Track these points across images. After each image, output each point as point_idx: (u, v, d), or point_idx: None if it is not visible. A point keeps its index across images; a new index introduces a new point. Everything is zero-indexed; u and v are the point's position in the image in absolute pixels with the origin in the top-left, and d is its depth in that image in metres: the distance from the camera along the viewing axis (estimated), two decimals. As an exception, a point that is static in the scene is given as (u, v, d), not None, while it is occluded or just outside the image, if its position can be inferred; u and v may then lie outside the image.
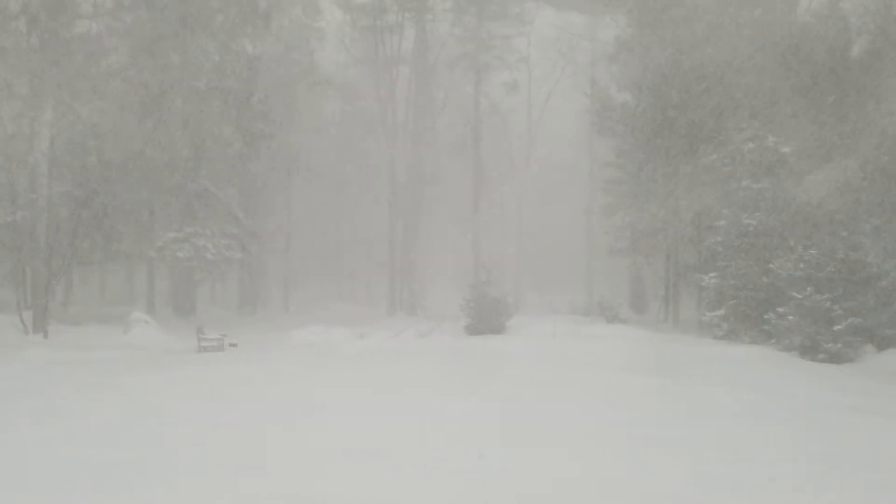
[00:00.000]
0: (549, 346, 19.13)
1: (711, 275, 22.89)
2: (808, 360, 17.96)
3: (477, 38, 40.40)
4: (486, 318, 23.40)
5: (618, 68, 32.59)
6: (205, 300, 37.10)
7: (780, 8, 27.15)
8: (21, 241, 23.43)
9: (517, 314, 25.41)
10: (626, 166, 31.44)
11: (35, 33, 24.01)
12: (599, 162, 36.83)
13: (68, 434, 9.73)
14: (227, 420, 10.70)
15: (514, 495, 7.40)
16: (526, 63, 43.03)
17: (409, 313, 36.35)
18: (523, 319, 25.05)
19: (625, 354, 17.67)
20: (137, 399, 12.32)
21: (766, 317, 20.12)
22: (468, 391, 12.87)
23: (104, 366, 16.47)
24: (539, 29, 42.27)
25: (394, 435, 9.80)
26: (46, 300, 22.91)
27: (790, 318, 18.99)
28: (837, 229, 20.36)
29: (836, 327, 18.38)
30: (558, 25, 41.70)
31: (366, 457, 8.66)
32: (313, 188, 43.06)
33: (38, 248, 22.94)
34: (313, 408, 11.61)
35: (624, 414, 11.28)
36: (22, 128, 25.19)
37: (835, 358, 18.10)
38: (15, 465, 8.32)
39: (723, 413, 11.46)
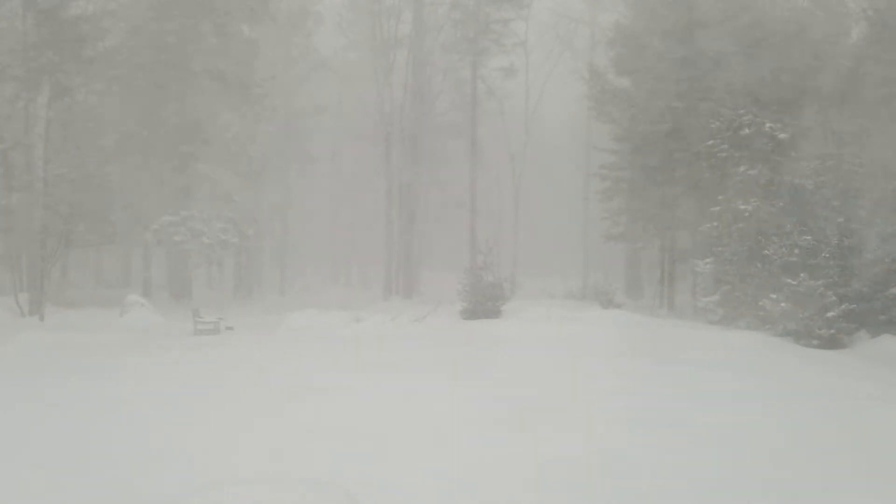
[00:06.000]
0: (544, 330, 19.17)
1: (707, 260, 22.94)
2: (801, 346, 18.05)
3: (475, 22, 40.14)
4: (482, 302, 23.38)
5: (616, 53, 32.43)
6: (201, 283, 37.11)
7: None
8: (17, 224, 23.41)
9: (513, 299, 25.37)
10: (622, 151, 31.37)
11: (30, 14, 23.89)
12: (596, 147, 36.73)
13: (63, 415, 9.80)
14: (220, 401, 10.77)
15: (504, 477, 7.48)
16: (524, 47, 42.73)
17: (405, 297, 36.34)
18: (519, 304, 25.01)
19: (619, 339, 17.73)
20: (132, 381, 12.39)
21: (760, 303, 20.18)
22: (462, 375, 12.94)
23: (100, 348, 16.54)
24: (537, 13, 42.03)
25: (386, 417, 9.88)
26: (43, 283, 22.92)
27: (784, 304, 19.06)
28: (832, 215, 20.39)
29: (830, 313, 18.44)
30: (557, 10, 41.46)
31: (360, 438, 8.74)
32: (310, 172, 43.01)
33: (34, 230, 22.93)
34: (307, 390, 11.67)
35: (618, 397, 11.35)
36: (18, 110, 25.11)
37: (828, 343, 18.16)
38: (10, 445, 8.38)
39: (717, 396, 11.53)
